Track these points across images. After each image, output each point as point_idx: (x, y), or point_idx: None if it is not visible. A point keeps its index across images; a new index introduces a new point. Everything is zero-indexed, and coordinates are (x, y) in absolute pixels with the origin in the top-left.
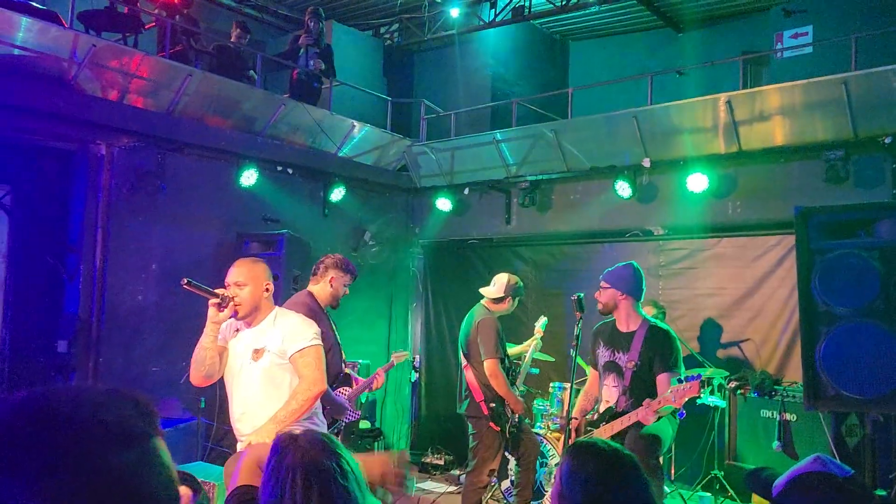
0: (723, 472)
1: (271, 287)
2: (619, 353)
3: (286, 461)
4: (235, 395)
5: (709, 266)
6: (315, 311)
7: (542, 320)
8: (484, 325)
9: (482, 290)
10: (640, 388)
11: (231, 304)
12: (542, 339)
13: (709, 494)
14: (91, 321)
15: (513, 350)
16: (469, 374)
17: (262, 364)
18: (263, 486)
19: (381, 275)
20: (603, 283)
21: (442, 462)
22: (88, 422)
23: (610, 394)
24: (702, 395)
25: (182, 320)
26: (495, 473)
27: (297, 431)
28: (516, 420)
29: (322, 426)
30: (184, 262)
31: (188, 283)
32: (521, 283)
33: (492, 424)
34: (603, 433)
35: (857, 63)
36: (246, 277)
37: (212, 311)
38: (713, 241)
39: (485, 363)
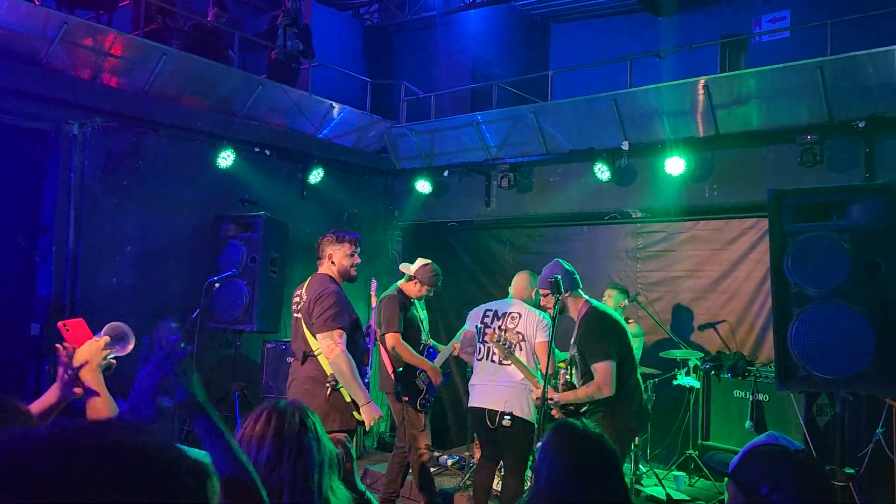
0: (697, 452)
1: None
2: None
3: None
4: None
5: (686, 248)
6: (337, 292)
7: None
8: (385, 301)
9: (402, 266)
10: (586, 368)
11: None
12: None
13: (683, 474)
14: (64, 304)
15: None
16: (381, 349)
17: None
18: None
19: (360, 257)
20: (542, 290)
21: None
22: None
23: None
24: (677, 377)
25: (159, 303)
26: (431, 446)
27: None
28: (429, 395)
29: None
30: (160, 244)
31: None
32: (439, 273)
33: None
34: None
35: (834, 48)
36: None
37: None
38: (690, 224)
39: (386, 337)
